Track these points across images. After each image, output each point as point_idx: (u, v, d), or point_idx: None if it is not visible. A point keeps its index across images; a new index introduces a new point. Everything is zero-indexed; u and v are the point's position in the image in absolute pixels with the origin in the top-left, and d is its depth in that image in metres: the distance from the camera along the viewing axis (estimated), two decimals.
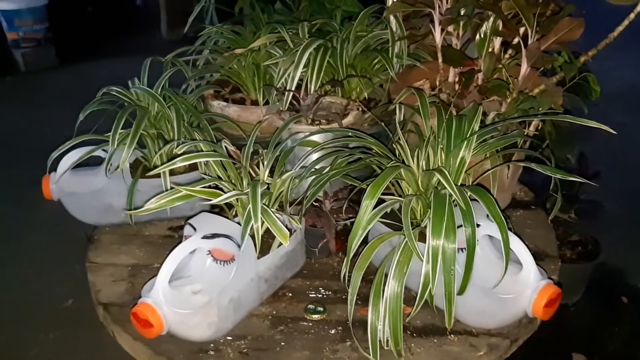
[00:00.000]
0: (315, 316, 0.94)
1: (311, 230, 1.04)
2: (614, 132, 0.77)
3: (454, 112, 0.99)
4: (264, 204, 0.86)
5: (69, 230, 2.18)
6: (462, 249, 0.80)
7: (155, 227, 1.19)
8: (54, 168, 1.15)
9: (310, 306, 0.95)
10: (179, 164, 0.86)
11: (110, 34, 4.70)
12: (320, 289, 1.01)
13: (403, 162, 0.94)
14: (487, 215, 0.91)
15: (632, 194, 2.11)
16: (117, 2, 5.15)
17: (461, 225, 0.78)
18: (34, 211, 2.33)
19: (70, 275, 1.99)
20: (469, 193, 0.80)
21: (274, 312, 0.95)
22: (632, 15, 1.06)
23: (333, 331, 0.91)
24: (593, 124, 0.80)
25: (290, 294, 0.99)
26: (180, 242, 0.88)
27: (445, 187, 0.80)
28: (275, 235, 0.85)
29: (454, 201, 0.80)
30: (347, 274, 0.82)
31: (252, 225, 0.83)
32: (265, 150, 1.08)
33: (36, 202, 2.34)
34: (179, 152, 0.87)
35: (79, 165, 1.13)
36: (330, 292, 1.00)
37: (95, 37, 4.57)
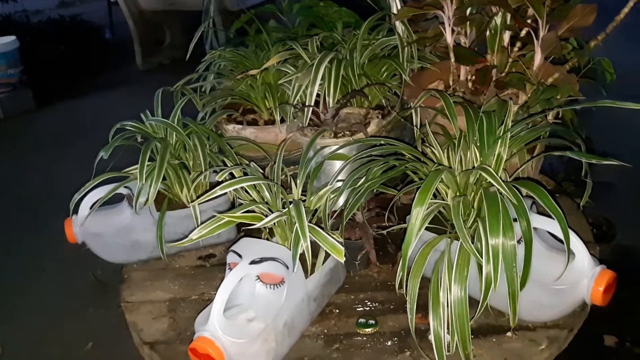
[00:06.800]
0: (368, 329, 0.92)
1: (347, 243, 1.03)
2: None
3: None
4: (309, 222, 0.84)
5: (75, 272, 2.15)
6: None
7: (184, 258, 1.17)
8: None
9: (362, 320, 0.94)
10: (219, 192, 0.84)
11: (85, 71, 4.64)
12: (366, 301, 0.99)
13: (439, 164, 0.93)
14: (529, 208, 0.91)
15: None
16: (88, 38, 5.12)
17: (515, 220, 0.78)
18: (35, 257, 2.28)
19: (84, 318, 1.95)
20: (521, 188, 0.79)
21: (325, 331, 0.94)
22: None
23: (389, 343, 0.90)
24: (637, 106, 0.80)
25: (337, 310, 0.98)
26: (222, 271, 0.87)
27: (493, 185, 0.79)
28: (329, 252, 0.83)
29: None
30: (405, 283, 0.80)
31: (302, 244, 0.82)
32: (289, 168, 1.07)
33: (38, 248, 2.31)
34: (220, 179, 0.86)
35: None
36: (377, 304, 0.98)
37: (70, 75, 4.50)
